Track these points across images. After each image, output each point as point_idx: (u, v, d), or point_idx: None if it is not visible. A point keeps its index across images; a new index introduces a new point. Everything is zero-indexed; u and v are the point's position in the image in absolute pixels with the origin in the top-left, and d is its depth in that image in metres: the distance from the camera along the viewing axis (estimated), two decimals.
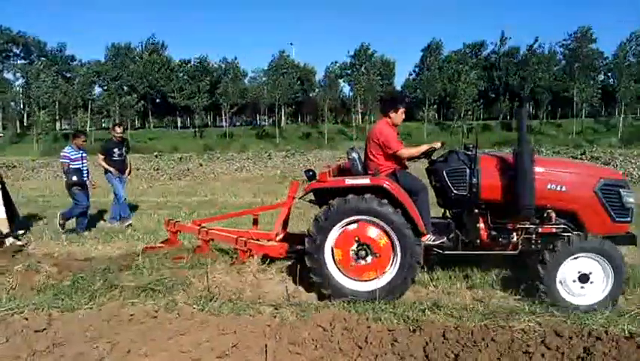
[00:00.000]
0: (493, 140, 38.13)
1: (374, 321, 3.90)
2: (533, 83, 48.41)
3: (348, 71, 59.62)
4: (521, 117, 4.78)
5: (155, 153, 31.66)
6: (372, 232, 4.57)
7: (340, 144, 41.63)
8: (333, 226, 4.58)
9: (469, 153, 4.77)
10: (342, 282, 4.62)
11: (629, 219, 4.72)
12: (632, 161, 22.62)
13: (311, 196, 5.04)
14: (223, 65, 60.90)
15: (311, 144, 40.51)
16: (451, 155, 4.95)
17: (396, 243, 4.52)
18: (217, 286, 4.76)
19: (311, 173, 5.16)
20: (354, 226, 4.59)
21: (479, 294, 4.81)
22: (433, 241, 4.74)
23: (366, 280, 4.60)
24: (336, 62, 56.06)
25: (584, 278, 4.40)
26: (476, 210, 4.83)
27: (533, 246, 4.72)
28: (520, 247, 4.73)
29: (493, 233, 4.79)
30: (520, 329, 3.58)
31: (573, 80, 45.95)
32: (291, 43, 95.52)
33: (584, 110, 50.15)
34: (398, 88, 66.26)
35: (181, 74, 61.56)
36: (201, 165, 24.75)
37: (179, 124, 68.48)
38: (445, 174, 4.83)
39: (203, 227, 5.74)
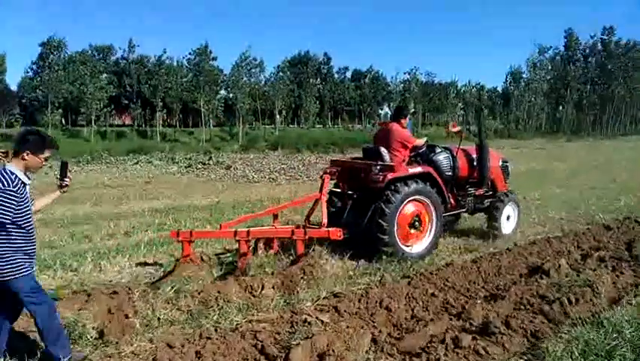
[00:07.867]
0: (129, 147, 36.81)
1: None
2: (164, 92, 50.03)
3: None
4: (480, 119, 7.66)
5: None
6: (421, 208, 6.33)
7: None
8: (399, 206, 6.00)
9: (448, 146, 7.32)
10: (406, 249, 6.19)
11: (509, 181, 8.13)
12: (248, 163, 26.75)
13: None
14: None
15: None
16: (435, 148, 7.21)
17: (433, 214, 6.41)
18: None
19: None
20: (409, 205, 6.19)
21: None
22: None
23: (417, 243, 6.36)
24: None
25: (508, 217, 7.54)
26: (449, 186, 6.99)
27: (471, 205, 7.37)
28: (466, 207, 7.31)
29: (459, 199, 7.26)
30: (130, 352, 3.23)
31: (199, 93, 50.23)
32: None
33: (210, 120, 55.74)
34: (13, 87, 55.55)
35: None
36: None
37: None
38: (437, 161, 6.98)
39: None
